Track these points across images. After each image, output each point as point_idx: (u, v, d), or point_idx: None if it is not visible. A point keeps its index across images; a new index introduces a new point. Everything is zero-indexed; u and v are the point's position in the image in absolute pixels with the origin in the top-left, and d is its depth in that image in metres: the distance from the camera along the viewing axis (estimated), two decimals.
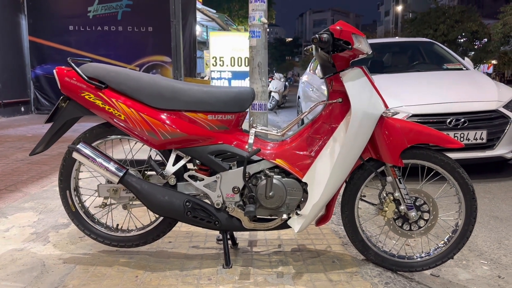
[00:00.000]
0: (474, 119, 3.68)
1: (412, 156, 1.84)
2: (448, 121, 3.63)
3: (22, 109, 8.94)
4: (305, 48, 2.28)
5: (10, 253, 2.04)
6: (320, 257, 2.01)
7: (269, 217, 1.90)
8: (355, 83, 1.75)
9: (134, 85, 1.82)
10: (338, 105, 1.82)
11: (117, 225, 2.09)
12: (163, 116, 1.82)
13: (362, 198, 1.93)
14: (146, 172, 1.99)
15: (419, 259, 1.92)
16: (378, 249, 1.93)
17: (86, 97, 1.83)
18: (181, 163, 1.90)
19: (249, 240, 2.23)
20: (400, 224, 1.88)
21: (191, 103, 1.82)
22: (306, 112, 1.95)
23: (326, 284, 1.74)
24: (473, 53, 20.94)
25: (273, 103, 11.95)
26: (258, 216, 1.90)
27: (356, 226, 1.91)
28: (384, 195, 1.90)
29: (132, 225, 2.09)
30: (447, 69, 4.95)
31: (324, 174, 1.78)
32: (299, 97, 7.27)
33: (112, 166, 1.88)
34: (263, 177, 1.85)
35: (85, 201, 2.09)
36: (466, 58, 5.20)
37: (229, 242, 2.05)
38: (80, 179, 2.06)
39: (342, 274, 1.83)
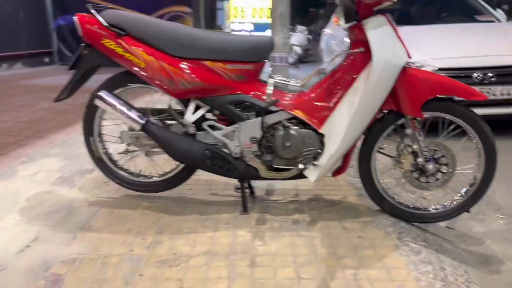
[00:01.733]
0: (502, 74, 3.54)
1: (434, 108, 1.81)
2: (475, 75, 3.52)
3: (46, 60, 9.05)
4: None
5: (38, 195, 2.15)
6: (335, 206, 2.05)
7: (285, 167, 1.93)
8: (378, 31, 1.70)
9: (154, 33, 1.82)
10: (360, 55, 1.79)
11: (140, 171, 2.16)
12: (183, 64, 1.82)
13: (380, 150, 1.93)
14: (166, 121, 2.03)
15: (434, 211, 1.94)
16: (393, 200, 1.95)
17: (107, 44, 1.84)
18: (200, 112, 1.92)
19: (266, 189, 2.28)
20: (417, 176, 1.89)
21: (210, 52, 1.82)
22: (327, 62, 1.92)
23: (340, 232, 1.79)
24: (507, 6, 19.83)
25: (295, 57, 11.67)
26: (275, 166, 1.93)
27: (373, 177, 1.93)
28: (402, 147, 1.89)
29: (154, 172, 2.15)
30: (478, 21, 4.72)
31: (342, 125, 1.78)
32: (321, 51, 7.10)
33: (133, 114, 1.91)
34: (280, 128, 1.86)
35: (108, 147, 2.15)
36: (498, 10, 4.92)
37: (247, 191, 2.11)
38: (103, 126, 2.11)
39: (356, 223, 1.87)
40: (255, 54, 1.84)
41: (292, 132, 1.84)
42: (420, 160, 1.84)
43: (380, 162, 1.97)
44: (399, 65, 1.71)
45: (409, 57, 1.74)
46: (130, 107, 1.93)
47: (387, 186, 2.01)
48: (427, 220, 1.94)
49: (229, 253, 1.63)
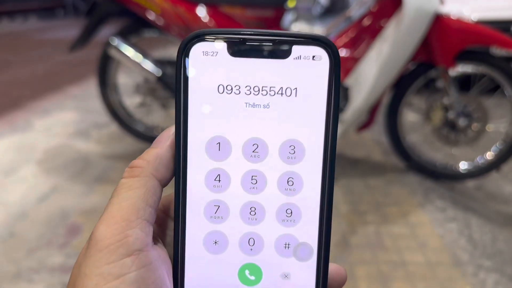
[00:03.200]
0: None
1: (468, 58, 1.69)
2: None
3: (60, 13, 8.93)
4: None
5: (55, 147, 2.13)
6: (359, 164, 1.98)
7: None
8: None
9: None
10: (390, 0, 1.66)
11: (157, 124, 2.11)
12: (199, 11, 1.73)
13: (408, 104, 1.83)
14: None
15: (462, 169, 1.85)
16: (419, 157, 1.87)
17: None
18: None
19: None
20: (446, 132, 1.80)
21: None
22: (353, 7, 1.80)
23: (363, 190, 1.73)
24: None
25: (320, 8, 11.22)
26: None
27: (399, 133, 1.84)
28: (432, 101, 1.79)
29: (170, 124, 2.10)
30: None
31: (369, 76, 1.67)
32: (349, 1, 6.80)
33: (149, 65, 1.84)
34: None
35: (124, 100, 2.10)
36: None
37: None
38: (119, 77, 2.04)
39: (380, 180, 1.81)
40: None
41: None
42: (450, 114, 1.74)
43: (408, 116, 1.88)
44: (432, 11, 1.58)
45: (442, 2, 1.61)
46: (146, 57, 1.86)
47: (414, 142, 1.92)
48: (454, 178, 1.86)
49: None
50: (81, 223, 1.47)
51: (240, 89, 0.25)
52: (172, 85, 1.84)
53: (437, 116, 1.75)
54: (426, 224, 1.53)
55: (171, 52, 2.03)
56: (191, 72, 0.25)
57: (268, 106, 0.25)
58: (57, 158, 2.00)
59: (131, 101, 2.09)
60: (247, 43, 0.25)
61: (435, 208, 1.64)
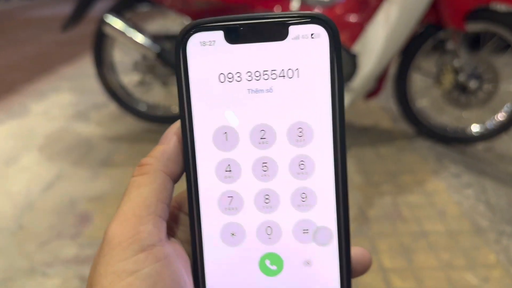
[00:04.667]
0: None
1: (477, 17, 1.62)
2: None
3: None
4: None
5: (55, 132, 2.07)
6: (368, 132, 1.94)
7: None
8: None
9: None
10: None
11: (158, 102, 2.05)
12: None
13: (417, 68, 1.78)
14: None
15: (474, 132, 1.82)
16: (429, 122, 1.83)
17: None
18: None
19: None
20: (456, 95, 1.75)
21: None
22: None
23: (374, 158, 1.70)
24: None
25: None
26: None
27: (408, 98, 1.79)
28: (442, 64, 1.73)
29: (172, 102, 2.04)
30: None
31: (377, 42, 1.61)
32: None
33: (147, 40, 1.76)
34: None
35: (122, 79, 2.02)
36: None
37: None
38: (115, 55, 1.97)
39: (390, 148, 1.77)
40: None
41: None
42: (461, 77, 1.69)
43: (418, 80, 1.83)
44: None
45: None
46: (143, 33, 1.77)
47: (423, 106, 1.88)
48: (466, 141, 1.83)
49: None
50: (90, 211, 1.44)
51: (241, 76, 0.25)
52: (172, 61, 1.77)
53: (448, 79, 1.70)
54: (442, 191, 1.50)
55: (168, 26, 1.94)
56: (191, 64, 0.25)
57: (271, 90, 0.25)
58: (58, 143, 1.95)
59: (129, 79, 2.01)
60: (243, 29, 0.24)
61: (449, 174, 1.61)
